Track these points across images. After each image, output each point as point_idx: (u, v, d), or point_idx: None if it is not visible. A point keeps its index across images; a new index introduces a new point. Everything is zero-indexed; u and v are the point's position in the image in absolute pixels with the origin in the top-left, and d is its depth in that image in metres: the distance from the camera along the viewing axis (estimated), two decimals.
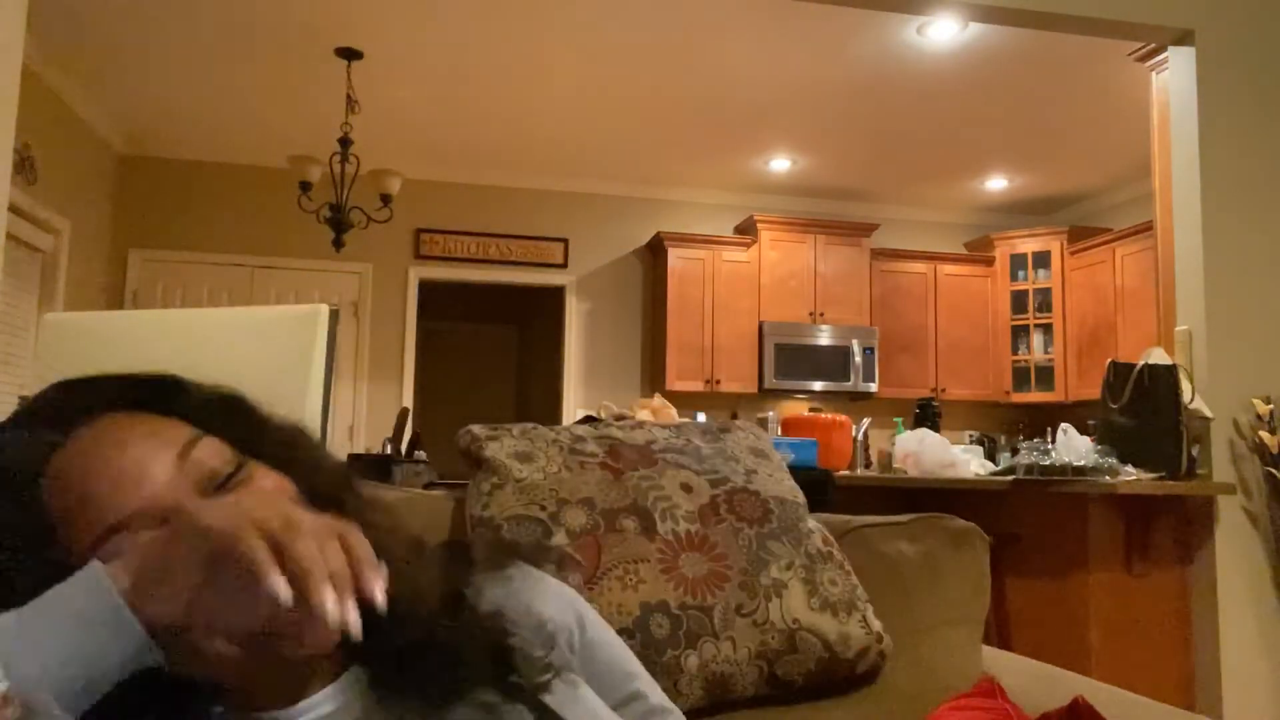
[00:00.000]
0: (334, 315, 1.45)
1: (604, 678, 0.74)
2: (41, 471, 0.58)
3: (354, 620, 0.51)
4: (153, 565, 0.53)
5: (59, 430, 0.60)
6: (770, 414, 5.13)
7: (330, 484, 0.67)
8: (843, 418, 3.71)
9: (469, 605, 0.68)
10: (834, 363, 6.14)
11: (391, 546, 0.67)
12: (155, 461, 0.59)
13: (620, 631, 0.98)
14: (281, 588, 0.49)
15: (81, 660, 0.51)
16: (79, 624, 0.51)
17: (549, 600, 0.74)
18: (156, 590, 0.53)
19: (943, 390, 6.32)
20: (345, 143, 4.60)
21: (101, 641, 0.52)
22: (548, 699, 0.66)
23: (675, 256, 6.10)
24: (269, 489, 0.62)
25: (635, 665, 0.79)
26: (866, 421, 4.42)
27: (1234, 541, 2.83)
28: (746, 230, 6.34)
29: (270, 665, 0.59)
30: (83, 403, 0.63)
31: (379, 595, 0.53)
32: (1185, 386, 2.77)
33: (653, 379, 6.20)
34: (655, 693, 0.78)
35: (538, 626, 0.71)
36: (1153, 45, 3.27)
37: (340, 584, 0.51)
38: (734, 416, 5.73)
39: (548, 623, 0.72)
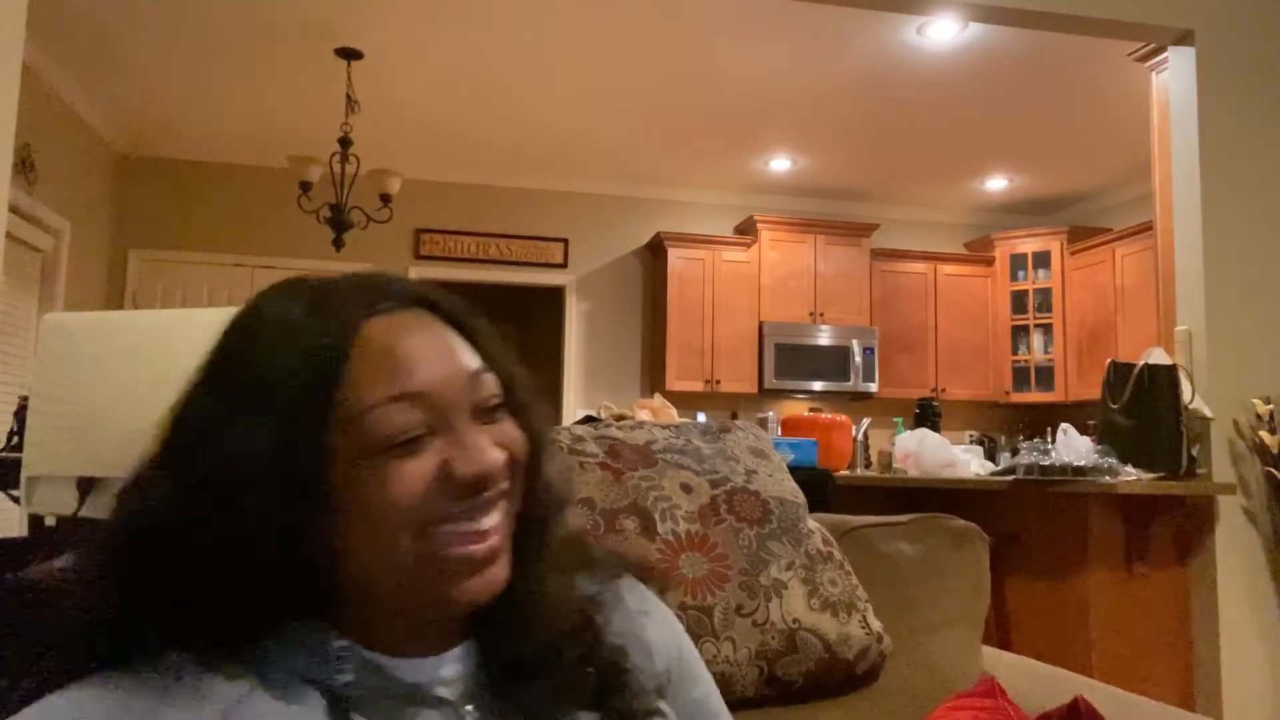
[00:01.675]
0: None
1: (692, 715, 0.75)
2: (359, 324, 0.61)
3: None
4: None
5: (392, 302, 0.64)
6: (770, 414, 5.12)
7: (550, 466, 0.70)
8: (843, 418, 3.71)
9: (597, 628, 0.70)
10: (834, 363, 6.14)
11: (555, 549, 0.70)
12: (462, 363, 0.63)
13: None
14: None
15: None
16: None
17: (657, 628, 0.76)
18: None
19: (943, 390, 6.33)
20: (345, 143, 4.60)
21: None
22: None
23: (675, 256, 6.10)
24: (514, 436, 0.65)
25: (721, 705, 0.80)
26: (866, 421, 4.43)
27: (1234, 541, 2.83)
28: (746, 230, 6.34)
29: (418, 605, 0.61)
30: (425, 297, 0.66)
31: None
32: (1185, 386, 2.77)
33: (653, 379, 6.20)
34: None
35: (646, 654, 0.72)
36: (1153, 45, 3.27)
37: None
38: (734, 416, 5.73)
39: (654, 651, 0.73)
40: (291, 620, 0.61)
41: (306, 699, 0.59)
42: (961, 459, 3.26)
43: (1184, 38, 3.09)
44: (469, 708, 0.63)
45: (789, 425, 3.76)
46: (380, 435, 0.58)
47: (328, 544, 0.59)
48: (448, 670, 0.64)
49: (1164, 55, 3.23)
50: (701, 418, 4.72)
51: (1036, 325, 6.40)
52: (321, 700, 0.59)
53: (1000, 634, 2.84)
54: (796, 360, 6.10)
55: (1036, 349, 6.40)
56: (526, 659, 0.65)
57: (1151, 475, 2.66)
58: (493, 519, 0.62)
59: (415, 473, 0.58)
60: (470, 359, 0.64)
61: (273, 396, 0.58)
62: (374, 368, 0.59)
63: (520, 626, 0.65)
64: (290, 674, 0.59)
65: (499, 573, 0.62)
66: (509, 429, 0.65)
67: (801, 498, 1.20)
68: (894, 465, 3.49)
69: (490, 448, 0.61)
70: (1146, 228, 5.04)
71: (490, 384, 0.64)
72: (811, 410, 5.76)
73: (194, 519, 0.57)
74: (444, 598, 0.61)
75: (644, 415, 2.63)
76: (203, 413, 0.59)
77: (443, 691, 0.63)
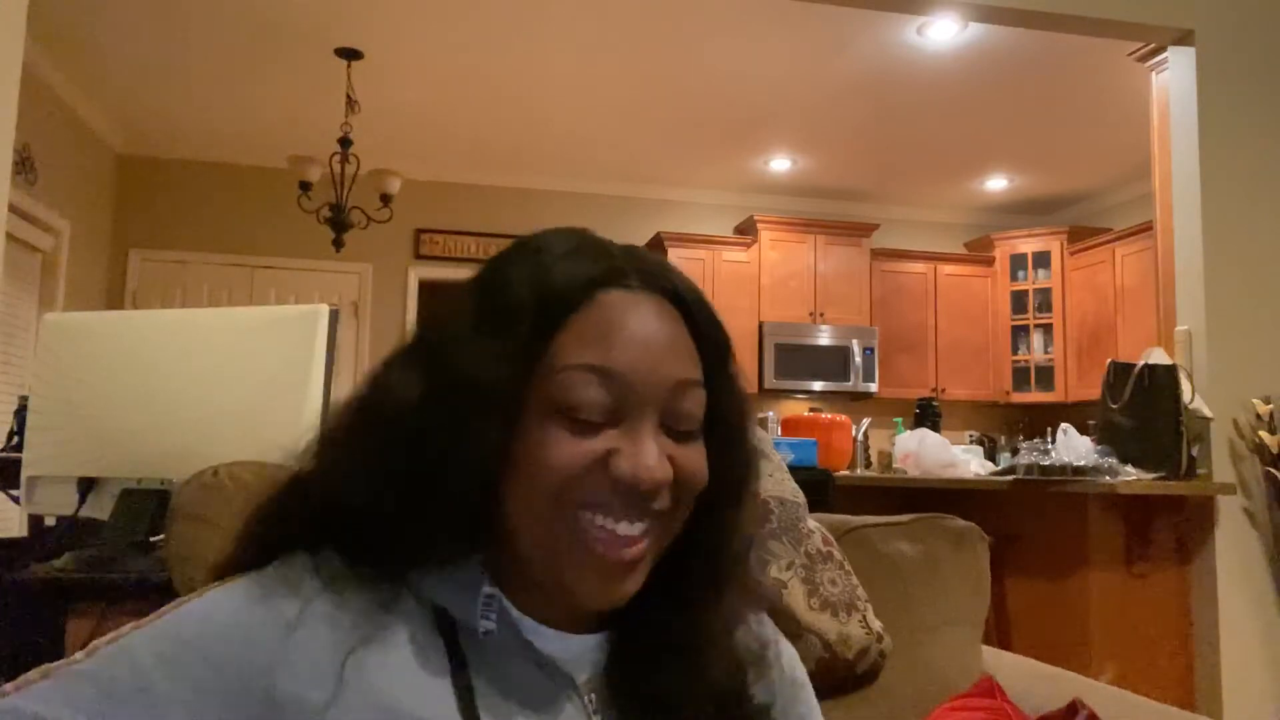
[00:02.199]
0: (334, 315, 1.45)
1: None
2: (598, 287, 0.61)
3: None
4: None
5: (639, 281, 0.63)
6: (770, 414, 5.12)
7: (743, 513, 0.66)
8: (843, 418, 3.71)
9: (746, 685, 0.67)
10: (834, 363, 6.13)
11: (727, 600, 0.66)
12: (675, 365, 0.60)
13: None
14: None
15: None
16: None
17: (781, 671, 0.74)
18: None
19: (943, 390, 6.32)
20: (345, 143, 4.60)
21: None
22: None
23: (675, 256, 6.09)
24: (694, 464, 0.61)
25: None
26: (866, 421, 4.42)
27: (1234, 541, 2.83)
28: (746, 230, 6.34)
29: (543, 578, 0.59)
30: (677, 291, 0.64)
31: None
32: (1185, 386, 2.77)
33: None
34: None
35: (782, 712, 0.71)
36: (1153, 45, 3.27)
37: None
38: None
39: (775, 690, 0.72)
40: (446, 559, 0.60)
41: (431, 657, 0.58)
42: (961, 459, 3.26)
43: (1184, 38, 3.09)
44: (591, 695, 0.62)
45: (789, 425, 3.75)
46: (562, 398, 0.57)
47: (498, 486, 0.59)
48: (582, 653, 0.63)
49: (1164, 55, 3.22)
50: None
51: (1036, 325, 6.40)
52: (446, 662, 0.58)
53: (1000, 634, 2.84)
54: (796, 360, 6.10)
55: (1036, 349, 6.40)
56: (665, 692, 0.62)
57: (1151, 475, 2.66)
58: (635, 529, 0.58)
59: (579, 449, 0.57)
60: (688, 369, 0.61)
61: (508, 324, 0.58)
62: (589, 331, 0.59)
63: (665, 662, 0.62)
64: (425, 620, 0.59)
65: (623, 589, 0.59)
66: (692, 455, 0.60)
67: (801, 497, 1.20)
68: (894, 465, 3.49)
69: (658, 459, 0.58)
70: (1146, 228, 5.03)
71: (696, 400, 0.61)
72: (811, 410, 5.76)
73: (428, 417, 0.58)
74: (562, 583, 0.58)
75: None
76: (454, 324, 0.61)
77: (572, 671, 0.62)
